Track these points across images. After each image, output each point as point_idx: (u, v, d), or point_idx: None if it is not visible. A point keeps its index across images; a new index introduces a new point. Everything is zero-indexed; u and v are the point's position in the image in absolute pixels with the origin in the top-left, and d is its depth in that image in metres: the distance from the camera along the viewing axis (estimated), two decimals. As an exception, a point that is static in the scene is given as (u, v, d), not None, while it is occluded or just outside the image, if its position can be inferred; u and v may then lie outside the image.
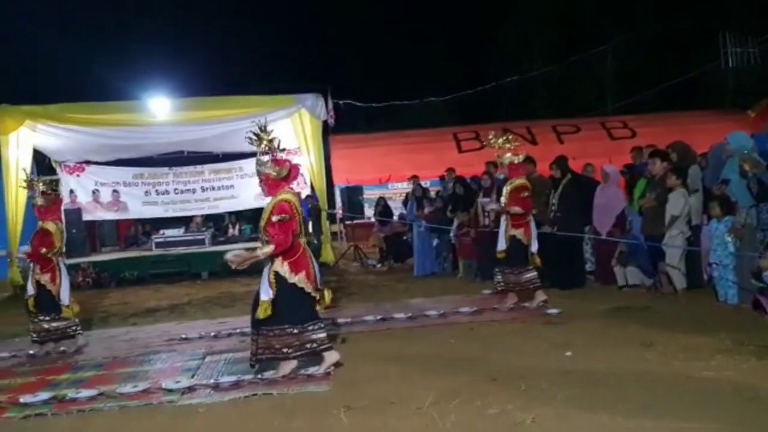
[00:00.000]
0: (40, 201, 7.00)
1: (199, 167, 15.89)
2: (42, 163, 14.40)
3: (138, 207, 15.92)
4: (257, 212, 17.75)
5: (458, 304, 7.76)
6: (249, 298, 9.84)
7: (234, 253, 5.24)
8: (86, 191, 15.40)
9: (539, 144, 16.93)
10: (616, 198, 8.57)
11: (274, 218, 5.03)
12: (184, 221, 15.81)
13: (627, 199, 8.59)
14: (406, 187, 16.35)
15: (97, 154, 14.90)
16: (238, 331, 7.32)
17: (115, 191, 15.56)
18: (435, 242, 11.18)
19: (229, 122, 12.70)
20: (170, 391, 5.02)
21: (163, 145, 14.50)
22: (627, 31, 23.57)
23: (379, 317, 7.44)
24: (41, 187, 7.07)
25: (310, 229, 13.98)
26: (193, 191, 15.81)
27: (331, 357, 5.28)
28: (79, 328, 7.12)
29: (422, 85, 25.58)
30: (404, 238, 12.42)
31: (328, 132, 15.31)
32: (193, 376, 5.41)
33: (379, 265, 12.37)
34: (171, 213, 16.03)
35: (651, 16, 24.52)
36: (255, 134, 5.27)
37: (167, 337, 7.27)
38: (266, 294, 5.10)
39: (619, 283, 8.16)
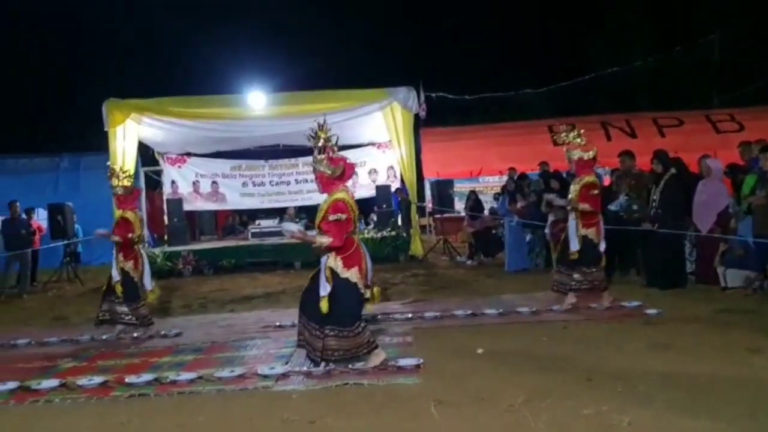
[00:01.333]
0: (120, 191, 7.39)
1: (293, 160, 16.26)
2: (146, 155, 15.15)
3: (236, 198, 16.48)
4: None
5: (551, 301, 7.57)
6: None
7: (293, 226, 5.43)
8: (187, 182, 16.07)
9: (639, 137, 16.33)
10: (719, 194, 8.11)
11: (331, 217, 5.13)
12: (278, 212, 16.24)
13: (732, 196, 8.11)
14: (497, 180, 16.14)
15: (197, 146, 15.52)
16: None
17: (214, 182, 16.17)
18: (528, 237, 10.97)
19: (322, 116, 12.89)
20: (265, 377, 5.16)
21: (259, 138, 14.94)
22: (735, 19, 22.23)
23: (469, 312, 7.37)
24: (121, 177, 7.46)
25: (400, 222, 14.06)
26: (288, 183, 16.22)
27: (377, 357, 5.28)
28: (150, 318, 7.43)
29: (517, 76, 25.08)
30: (493, 232, 12.25)
31: (419, 125, 15.31)
32: (286, 363, 5.54)
33: (468, 262, 12.26)
34: (266, 204, 16.51)
35: (760, 2, 23.02)
36: (313, 132, 5.34)
37: (262, 324, 7.47)
38: (324, 290, 5.20)
39: (722, 285, 7.75)
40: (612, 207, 8.84)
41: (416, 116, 13.59)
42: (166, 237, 14.83)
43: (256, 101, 13.03)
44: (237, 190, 16.42)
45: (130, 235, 7.23)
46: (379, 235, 13.20)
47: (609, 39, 26.87)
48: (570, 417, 3.96)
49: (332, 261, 5.20)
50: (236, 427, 4.13)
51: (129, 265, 7.28)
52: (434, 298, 8.71)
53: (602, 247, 7.28)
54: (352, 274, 5.20)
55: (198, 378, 5.25)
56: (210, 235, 16.34)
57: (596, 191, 7.29)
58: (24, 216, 12.42)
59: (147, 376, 5.36)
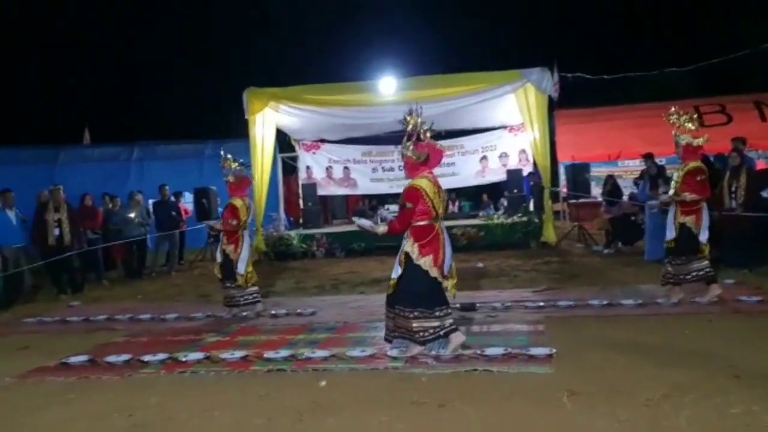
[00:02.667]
0: (231, 179, 7.79)
1: (422, 145, 16.25)
2: (283, 141, 15.77)
3: (366, 183, 16.79)
4: (477, 189, 17.85)
5: (695, 292, 7.09)
6: (465, 274, 10.01)
7: (362, 221, 5.64)
8: (321, 168, 16.58)
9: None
10: None
11: (402, 203, 5.24)
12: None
13: None
14: (637, 165, 15.35)
15: (330, 132, 15.95)
16: (456, 305, 7.40)
17: (346, 168, 16.57)
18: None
19: (453, 100, 12.86)
20: (395, 358, 5.22)
21: (389, 123, 15.02)
22: None
23: (605, 302, 7.06)
24: (233, 166, 7.82)
25: (531, 207, 13.72)
26: (417, 168, 16.23)
27: (457, 338, 5.26)
28: (259, 296, 7.80)
29: (659, 54, 23.60)
30: (632, 218, 11.64)
31: (553, 107, 14.82)
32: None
33: (605, 250, 11.73)
34: (395, 189, 16.66)
35: None
36: (404, 117, 5.42)
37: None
38: (395, 272, 5.27)
39: None
40: (765, 194, 8.16)
41: (549, 98, 13.15)
42: (301, 220, 15.42)
43: (387, 87, 13.14)
44: (367, 175, 16.72)
45: (234, 221, 7.59)
46: (509, 220, 12.96)
47: (764, 11, 24.60)
48: (715, 415, 3.70)
49: (409, 246, 5.24)
50: (368, 407, 4.20)
51: (230, 248, 7.68)
52: (567, 287, 8.43)
53: (703, 236, 6.76)
54: (425, 262, 5.18)
55: (331, 356, 5.40)
56: (341, 218, 16.79)
57: (702, 177, 6.79)
58: (173, 199, 13.33)
59: (284, 352, 5.58)
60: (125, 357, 5.72)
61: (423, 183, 5.26)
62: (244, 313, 7.69)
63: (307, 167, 16.57)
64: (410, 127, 5.39)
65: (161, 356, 5.70)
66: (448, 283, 5.32)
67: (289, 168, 17.09)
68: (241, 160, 8.09)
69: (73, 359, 5.75)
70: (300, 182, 16.43)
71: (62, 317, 8.28)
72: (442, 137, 16.00)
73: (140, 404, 4.50)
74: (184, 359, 5.61)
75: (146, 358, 5.66)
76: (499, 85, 12.81)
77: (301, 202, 15.96)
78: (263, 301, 8.01)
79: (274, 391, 4.65)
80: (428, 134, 5.41)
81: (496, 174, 15.76)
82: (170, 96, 28.41)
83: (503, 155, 15.79)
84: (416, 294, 5.19)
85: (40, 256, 10.21)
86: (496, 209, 15.57)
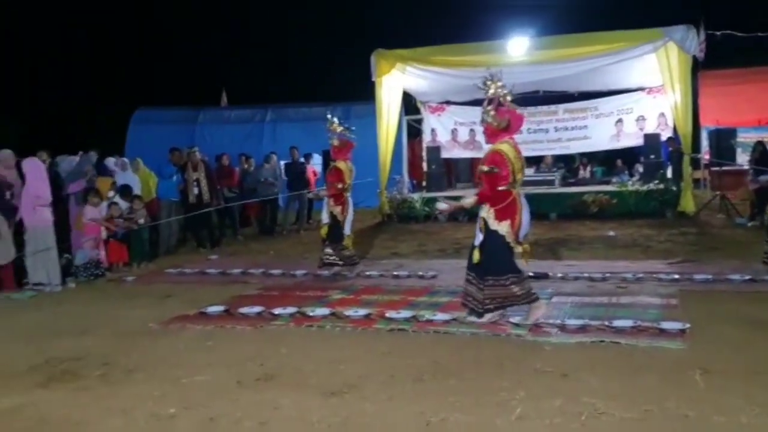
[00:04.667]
0: (336, 142, 8.00)
1: (553, 107, 15.73)
2: (408, 104, 15.77)
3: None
4: (611, 154, 17.10)
5: None
6: (597, 242, 9.68)
7: (443, 204, 5.62)
8: (446, 130, 16.46)
9: None
10: None
11: (484, 168, 5.17)
12: (534, 161, 15.93)
13: None
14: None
15: (456, 94, 15.73)
16: (585, 275, 7.20)
17: (471, 130, 16.30)
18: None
19: (588, 60, 12.30)
20: (518, 325, 5.17)
21: (519, 85, 14.44)
22: None
23: (747, 277, 6.62)
24: (338, 130, 7.98)
25: (669, 175, 12.96)
26: (546, 131, 15.74)
27: (537, 310, 5.19)
28: (356, 257, 8.02)
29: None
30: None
31: (697, 67, 13.81)
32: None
33: (749, 223, 10.89)
34: (523, 153, 16.27)
35: None
36: (484, 82, 5.33)
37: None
38: (477, 239, 5.25)
39: None
40: None
41: (694, 57, 12.25)
42: (424, 183, 15.44)
43: (517, 47, 12.75)
44: (494, 138, 16.41)
45: (339, 184, 7.77)
46: (644, 188, 12.32)
47: None
48: None
49: (485, 212, 5.23)
50: (489, 372, 4.20)
51: (337, 210, 7.87)
52: (705, 260, 7.96)
53: None
54: (502, 227, 5.16)
55: (452, 320, 5.43)
56: (466, 182, 16.62)
57: None
58: (302, 160, 13.77)
59: (405, 313, 5.69)
60: (258, 309, 6.05)
61: (505, 148, 5.24)
62: (343, 273, 7.90)
63: (432, 129, 16.50)
64: (491, 92, 5.34)
65: (290, 310, 5.97)
66: (524, 248, 5.29)
67: (414, 131, 17.11)
68: (347, 125, 8.25)
69: (211, 309, 6.15)
70: (424, 145, 16.41)
71: (201, 269, 8.87)
72: (575, 99, 15.50)
73: (271, 354, 4.75)
74: (311, 314, 5.85)
75: (277, 311, 5.96)
76: (638, 44, 12.07)
77: (424, 164, 15.96)
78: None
79: (396, 349, 4.76)
80: (509, 99, 5.34)
81: (631, 138, 14.97)
82: (301, 59, 29.17)
83: (640, 118, 14.94)
84: (495, 260, 5.17)
85: (183, 212, 10.98)
86: (631, 175, 14.84)
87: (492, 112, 5.30)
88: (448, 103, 16.47)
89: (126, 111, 19.50)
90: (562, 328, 5.07)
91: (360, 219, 13.37)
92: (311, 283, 7.59)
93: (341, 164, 7.95)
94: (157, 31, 29.07)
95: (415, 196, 13.74)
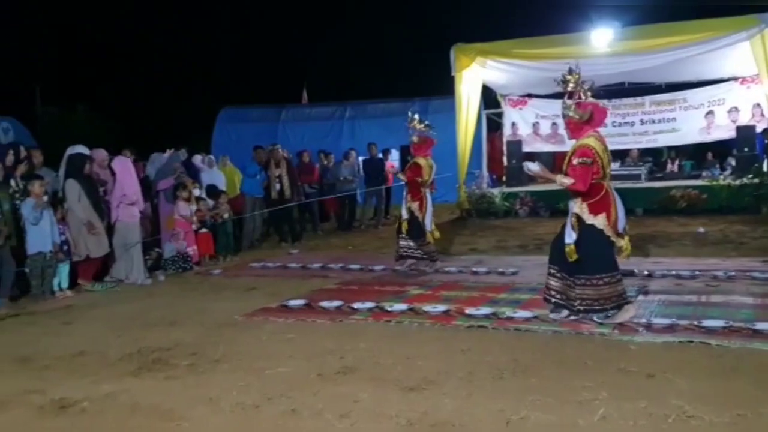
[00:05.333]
0: (415, 139, 8.07)
1: (639, 99, 15.20)
2: (488, 98, 15.59)
3: (574, 140, 16.10)
4: (700, 147, 16.36)
5: None
6: (685, 239, 9.31)
7: (534, 166, 5.39)
8: (527, 123, 16.16)
9: None
10: None
11: (575, 161, 5.04)
12: (620, 155, 15.43)
13: None
14: None
15: (538, 87, 15.40)
16: (673, 272, 6.94)
17: (554, 123, 15.92)
18: None
19: (676, 50, 11.83)
20: (602, 324, 5.03)
21: (604, 76, 14.13)
22: None
23: None
24: (419, 126, 8.04)
25: (765, 168, 12.30)
26: (632, 124, 15.23)
27: (625, 313, 5.00)
28: (436, 253, 8.03)
29: None
30: None
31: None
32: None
33: None
34: (608, 146, 15.81)
35: None
36: (563, 77, 5.19)
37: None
38: (569, 237, 5.11)
39: None
40: None
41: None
42: (504, 178, 15.24)
43: (601, 38, 12.38)
44: (577, 131, 16.00)
45: (418, 179, 7.83)
46: (737, 182, 11.75)
47: None
48: None
49: (578, 207, 5.09)
50: (571, 371, 4.11)
51: (415, 206, 7.91)
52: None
53: None
54: (599, 221, 5.02)
55: (534, 317, 5.34)
56: (547, 177, 16.31)
57: None
58: (380, 156, 13.86)
59: (485, 310, 5.63)
60: (337, 303, 6.14)
61: (591, 142, 5.11)
62: (422, 268, 7.89)
63: (513, 123, 16.24)
64: (570, 86, 5.21)
65: (369, 304, 6.03)
66: (623, 242, 5.14)
67: (494, 125, 16.89)
68: (427, 122, 8.28)
69: (292, 302, 6.29)
70: (504, 139, 16.18)
71: (283, 263, 9.08)
72: (662, 90, 14.91)
73: (350, 348, 4.81)
74: (389, 309, 5.88)
75: (356, 305, 6.03)
76: (731, 33, 11.49)
77: (504, 159, 15.75)
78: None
79: (476, 346, 4.72)
80: (589, 93, 5.20)
81: (723, 131, 14.27)
82: (379, 55, 29.34)
83: (733, 110, 14.22)
84: (593, 257, 5.02)
85: (266, 207, 11.28)
86: (723, 169, 14.16)
87: (573, 106, 5.19)
88: (530, 96, 16.17)
89: (213, 110, 20.19)
90: (649, 327, 4.90)
91: (438, 214, 13.34)
92: (390, 278, 7.63)
93: (420, 160, 7.99)
94: (244, 33, 29.98)
95: (495, 191, 13.60)
